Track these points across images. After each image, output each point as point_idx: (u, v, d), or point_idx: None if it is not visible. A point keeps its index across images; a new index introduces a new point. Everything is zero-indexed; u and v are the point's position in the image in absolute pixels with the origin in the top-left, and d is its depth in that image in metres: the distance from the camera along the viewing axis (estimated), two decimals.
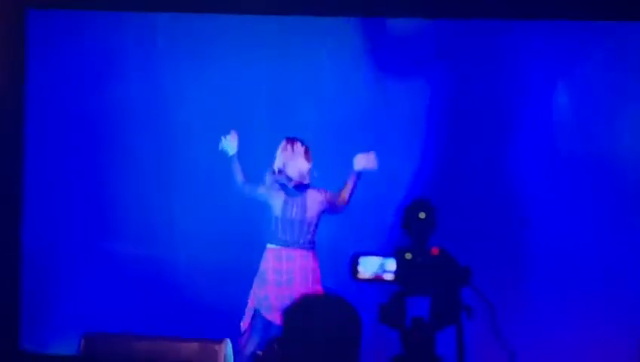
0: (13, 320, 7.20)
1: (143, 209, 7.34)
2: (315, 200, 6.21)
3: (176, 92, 7.33)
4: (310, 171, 6.22)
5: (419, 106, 7.19)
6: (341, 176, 6.23)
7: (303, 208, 6.21)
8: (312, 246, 6.22)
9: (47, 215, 7.36)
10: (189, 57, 7.30)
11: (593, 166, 7.02)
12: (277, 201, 6.21)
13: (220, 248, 7.19)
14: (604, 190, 6.99)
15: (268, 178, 6.25)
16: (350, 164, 6.18)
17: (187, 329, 6.66)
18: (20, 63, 7.29)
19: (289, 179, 6.18)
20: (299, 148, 6.21)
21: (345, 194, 6.21)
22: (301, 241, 6.19)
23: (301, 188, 6.20)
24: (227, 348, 6.14)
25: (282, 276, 6.19)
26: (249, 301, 6.26)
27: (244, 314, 6.25)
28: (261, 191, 6.25)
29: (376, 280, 2.70)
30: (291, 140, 6.23)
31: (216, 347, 6.07)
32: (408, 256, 2.69)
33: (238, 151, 6.33)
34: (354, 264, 2.71)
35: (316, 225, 6.23)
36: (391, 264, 2.70)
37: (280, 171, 6.22)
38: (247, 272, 6.31)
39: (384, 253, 2.70)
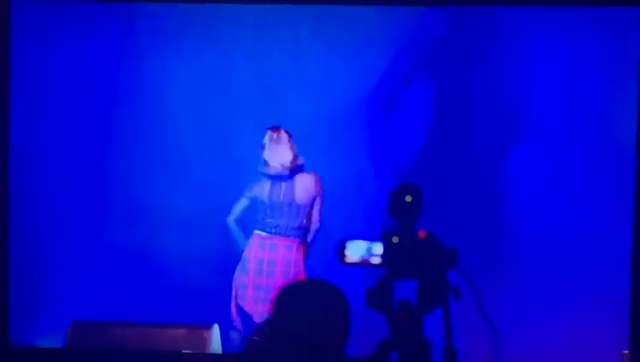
0: (1, 315, 7.18)
1: (130, 196, 7.33)
2: (304, 185, 6.22)
3: (161, 82, 7.31)
4: (296, 157, 6.24)
5: (404, 91, 7.19)
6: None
7: (292, 191, 6.21)
8: (299, 233, 6.22)
9: (32, 205, 7.35)
10: (174, 47, 7.29)
11: (580, 148, 7.04)
12: (264, 188, 6.22)
13: (207, 234, 7.19)
14: (590, 170, 7.02)
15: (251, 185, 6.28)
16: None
17: (175, 315, 6.67)
18: (4, 54, 7.25)
19: (274, 168, 6.20)
20: (282, 135, 6.22)
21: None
22: (290, 226, 6.20)
23: (289, 174, 6.21)
24: (215, 333, 6.16)
25: (263, 266, 6.20)
26: (233, 284, 6.29)
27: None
28: (244, 203, 6.27)
29: (364, 264, 2.71)
30: (274, 128, 6.25)
31: (205, 332, 6.09)
32: (395, 239, 2.70)
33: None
34: (341, 248, 2.72)
35: (309, 211, 6.23)
36: (378, 248, 2.71)
37: (266, 163, 6.24)
38: (235, 258, 6.32)
39: (371, 237, 2.72)
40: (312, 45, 7.19)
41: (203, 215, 7.22)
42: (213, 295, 6.74)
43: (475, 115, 7.13)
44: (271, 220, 6.20)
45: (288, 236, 6.20)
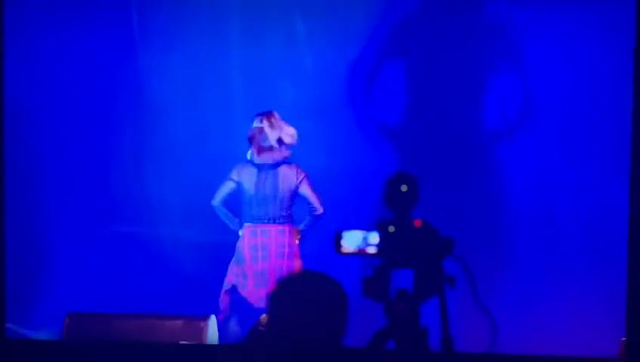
0: None
1: (126, 189, 7.33)
2: (285, 175, 6.23)
3: (153, 74, 7.31)
4: (280, 139, 6.23)
5: (399, 78, 7.19)
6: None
7: (275, 183, 6.23)
8: (287, 220, 6.24)
9: (28, 200, 7.34)
10: (164, 37, 7.28)
11: (576, 135, 7.04)
12: (250, 180, 6.23)
13: (203, 226, 7.19)
14: (587, 157, 7.02)
15: (239, 166, 6.26)
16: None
17: (172, 307, 6.67)
18: None
19: (262, 158, 6.20)
20: (274, 118, 6.23)
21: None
22: (277, 216, 6.21)
23: (274, 165, 6.22)
24: (212, 324, 6.16)
25: (258, 251, 6.22)
26: (226, 279, 6.29)
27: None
28: (231, 185, 6.25)
29: (360, 254, 2.71)
30: (263, 114, 6.26)
31: (202, 323, 6.09)
32: (391, 228, 2.70)
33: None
34: (337, 238, 2.72)
35: (290, 201, 6.25)
36: (374, 237, 2.71)
37: (260, 147, 6.23)
38: (232, 249, 6.32)
39: (367, 227, 2.72)
40: (303, 34, 7.19)
41: (199, 206, 7.21)
42: (209, 286, 6.74)
43: (471, 104, 7.13)
44: (258, 212, 6.21)
45: (279, 223, 6.21)
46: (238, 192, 6.26)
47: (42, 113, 7.32)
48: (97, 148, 7.34)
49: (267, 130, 6.20)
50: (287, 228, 6.23)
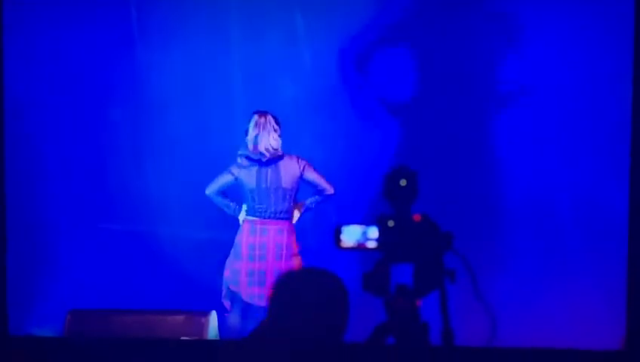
0: (0, 305, 7.18)
1: (126, 186, 7.34)
2: (287, 166, 6.23)
3: (153, 71, 7.31)
4: (279, 138, 6.24)
5: (397, 73, 7.19)
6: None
7: (277, 176, 6.22)
8: (289, 216, 6.23)
9: (29, 196, 7.34)
10: (163, 34, 7.28)
11: (574, 128, 7.04)
12: (250, 174, 6.22)
13: (204, 221, 7.20)
14: (586, 149, 7.03)
15: (240, 159, 6.25)
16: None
17: (173, 302, 6.68)
18: None
19: (262, 154, 6.19)
20: (269, 120, 6.22)
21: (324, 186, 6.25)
22: (279, 210, 6.21)
23: (274, 159, 6.22)
24: (213, 320, 6.17)
25: (255, 251, 6.21)
26: (224, 272, 6.29)
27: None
28: (229, 178, 6.25)
29: (360, 249, 2.72)
30: (261, 113, 6.25)
31: (203, 319, 6.10)
32: (391, 223, 2.70)
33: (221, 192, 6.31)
34: (337, 233, 2.72)
35: (294, 194, 6.24)
36: (373, 232, 2.71)
37: (253, 147, 6.23)
38: (232, 244, 6.32)
39: (366, 222, 2.72)
40: (301, 29, 7.20)
41: (199, 202, 7.22)
42: (210, 282, 6.74)
43: (469, 98, 7.13)
44: (259, 206, 6.20)
45: (278, 219, 6.20)
46: (237, 187, 6.25)
47: (41, 110, 7.33)
48: (97, 146, 7.34)
49: (261, 129, 6.20)
50: (285, 227, 6.21)
